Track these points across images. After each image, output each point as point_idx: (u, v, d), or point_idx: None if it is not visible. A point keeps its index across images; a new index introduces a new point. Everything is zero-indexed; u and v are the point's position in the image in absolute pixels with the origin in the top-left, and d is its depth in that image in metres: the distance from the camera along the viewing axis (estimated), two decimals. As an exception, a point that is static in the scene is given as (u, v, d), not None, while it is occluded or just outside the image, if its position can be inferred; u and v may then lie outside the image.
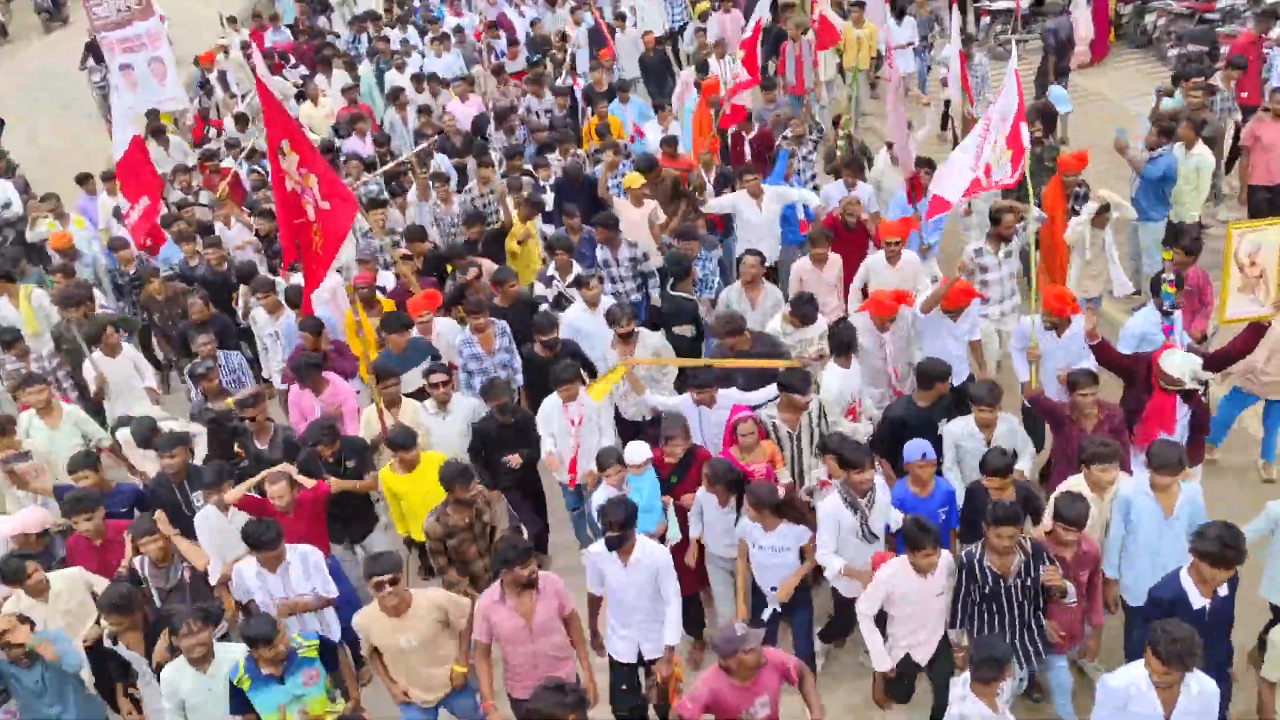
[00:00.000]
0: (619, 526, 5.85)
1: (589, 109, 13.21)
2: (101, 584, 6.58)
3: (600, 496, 6.70)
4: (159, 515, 6.65)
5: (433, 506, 6.80)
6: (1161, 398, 6.63)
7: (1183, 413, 6.65)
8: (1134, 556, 6.00)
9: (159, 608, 6.41)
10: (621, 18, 16.48)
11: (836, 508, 6.26)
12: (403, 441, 6.99)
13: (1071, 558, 5.80)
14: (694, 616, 7.01)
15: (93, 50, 17.28)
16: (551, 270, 9.24)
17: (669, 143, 11.11)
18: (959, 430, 6.87)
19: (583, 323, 8.49)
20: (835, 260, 8.84)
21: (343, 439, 7.40)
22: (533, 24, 17.63)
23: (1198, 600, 5.26)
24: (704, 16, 15.96)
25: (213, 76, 17.01)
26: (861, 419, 7.41)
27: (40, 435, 7.99)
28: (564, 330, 8.35)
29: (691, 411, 7.26)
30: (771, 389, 7.28)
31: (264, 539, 6.15)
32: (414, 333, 8.40)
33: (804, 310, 8.06)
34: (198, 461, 7.57)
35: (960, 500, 6.55)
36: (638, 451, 6.64)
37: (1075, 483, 6.15)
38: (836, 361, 7.49)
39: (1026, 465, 6.81)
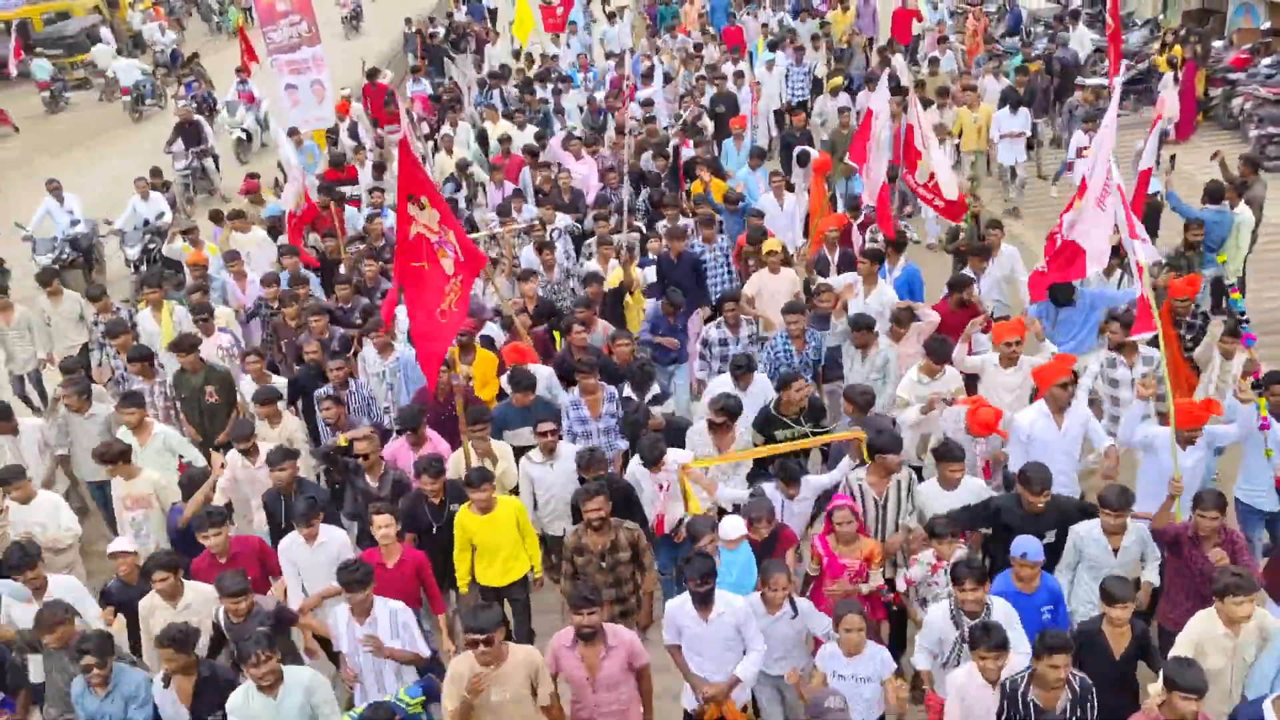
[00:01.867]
0: (701, 582, 5.73)
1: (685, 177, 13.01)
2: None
3: None
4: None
5: (508, 553, 6.85)
6: None
7: None
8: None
9: (217, 665, 6.18)
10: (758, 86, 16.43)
11: (942, 621, 5.83)
12: (474, 479, 6.77)
13: None
14: None
15: (181, 132, 17.59)
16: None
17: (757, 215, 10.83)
18: (1084, 532, 6.35)
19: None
20: (913, 333, 8.50)
21: (448, 483, 7.25)
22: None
23: None
24: (835, 92, 15.96)
25: (343, 126, 17.16)
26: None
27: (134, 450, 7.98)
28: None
29: (774, 502, 6.90)
30: (844, 467, 7.01)
31: (353, 579, 5.97)
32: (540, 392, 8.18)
33: (940, 350, 7.80)
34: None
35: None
36: (733, 526, 6.41)
37: (1198, 623, 5.57)
38: (940, 475, 6.83)
39: (1155, 576, 6.37)
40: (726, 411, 7.40)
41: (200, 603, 6.49)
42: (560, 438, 7.66)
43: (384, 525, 6.54)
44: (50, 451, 8.56)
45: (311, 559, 6.84)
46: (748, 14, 23.05)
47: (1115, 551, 6.25)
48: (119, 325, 9.66)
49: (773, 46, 18.68)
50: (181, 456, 8.08)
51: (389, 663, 6.15)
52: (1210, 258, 9.97)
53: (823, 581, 6.35)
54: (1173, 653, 5.29)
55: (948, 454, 6.72)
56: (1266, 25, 17.97)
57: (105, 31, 28.93)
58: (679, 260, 10.05)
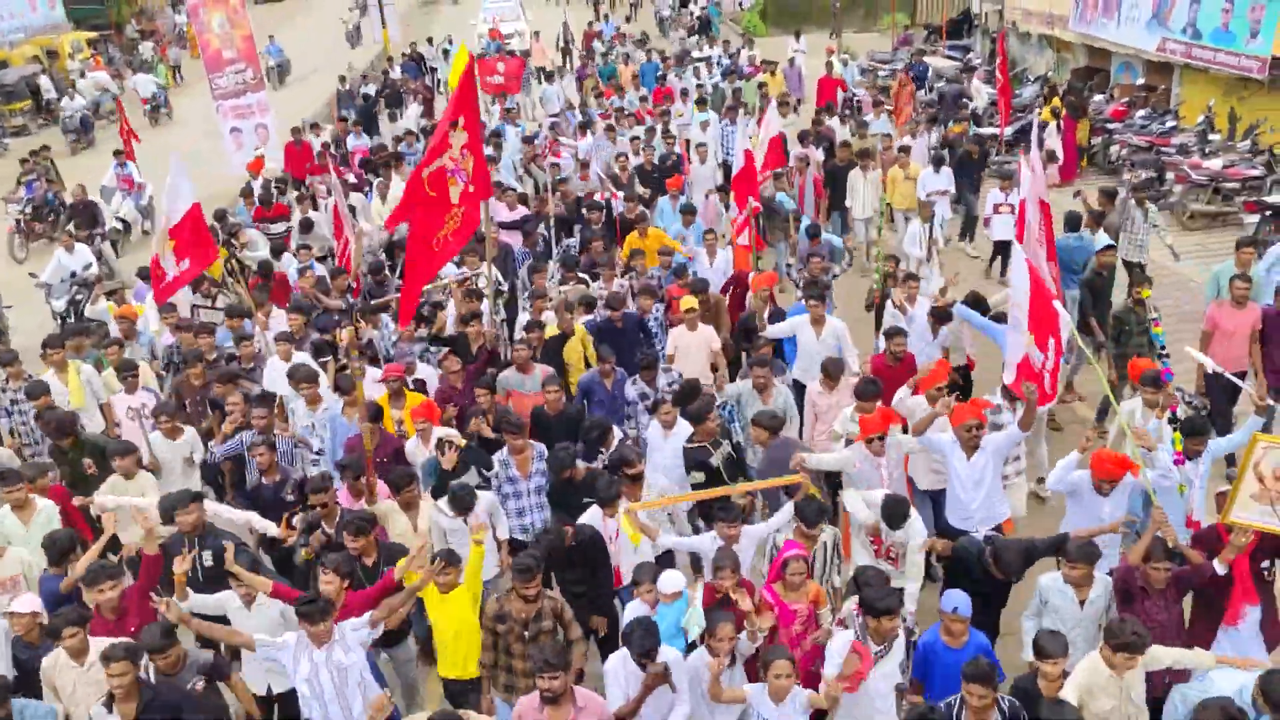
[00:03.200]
0: (643, 655, 5.64)
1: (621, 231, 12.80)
2: None
3: (631, 613, 6.33)
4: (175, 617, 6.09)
5: (465, 639, 6.42)
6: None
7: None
8: None
9: (161, 685, 5.88)
10: (701, 147, 16.18)
11: (846, 647, 5.80)
12: (445, 559, 6.38)
13: None
14: None
15: (75, 214, 16.27)
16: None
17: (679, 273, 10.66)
18: (1048, 583, 6.30)
19: (660, 441, 8.05)
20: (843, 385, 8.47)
21: (380, 544, 6.92)
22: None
23: None
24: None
25: (256, 184, 16.28)
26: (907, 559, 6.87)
27: (14, 529, 7.43)
28: (650, 451, 8.03)
29: (711, 548, 6.73)
30: (786, 513, 6.94)
31: (314, 610, 5.73)
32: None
33: (867, 391, 7.76)
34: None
35: None
36: (670, 580, 6.24)
37: (1086, 667, 5.60)
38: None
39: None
40: (624, 462, 7.31)
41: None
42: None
43: (329, 583, 6.32)
44: None
45: (249, 622, 6.48)
46: (676, 76, 23.46)
47: (1081, 604, 6.16)
48: (40, 387, 9.10)
49: (701, 104, 18.87)
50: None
51: (349, 686, 5.90)
52: (1073, 278, 11.31)
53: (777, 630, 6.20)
54: (1061, 695, 5.39)
55: (892, 517, 6.73)
56: (1141, 81, 19.82)
57: (45, 80, 29.65)
58: (623, 324, 9.71)
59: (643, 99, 21.32)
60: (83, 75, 30.29)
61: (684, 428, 8.04)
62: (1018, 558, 6.39)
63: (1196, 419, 7.42)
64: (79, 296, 13.02)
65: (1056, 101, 18.23)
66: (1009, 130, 17.57)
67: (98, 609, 6.43)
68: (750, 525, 7.09)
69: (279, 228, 14.37)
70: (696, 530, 7.77)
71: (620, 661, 5.84)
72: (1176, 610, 6.21)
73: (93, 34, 35.13)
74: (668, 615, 6.26)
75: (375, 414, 8.19)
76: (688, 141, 16.89)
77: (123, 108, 18.56)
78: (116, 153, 17.95)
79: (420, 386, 9.16)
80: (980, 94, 20.82)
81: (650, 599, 6.31)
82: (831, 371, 8.49)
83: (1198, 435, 7.22)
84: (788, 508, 6.97)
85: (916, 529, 6.89)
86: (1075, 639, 6.08)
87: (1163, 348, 8.50)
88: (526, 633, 6.22)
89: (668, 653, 5.81)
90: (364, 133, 20.66)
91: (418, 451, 8.16)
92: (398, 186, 15.14)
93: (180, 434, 8.51)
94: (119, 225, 17.57)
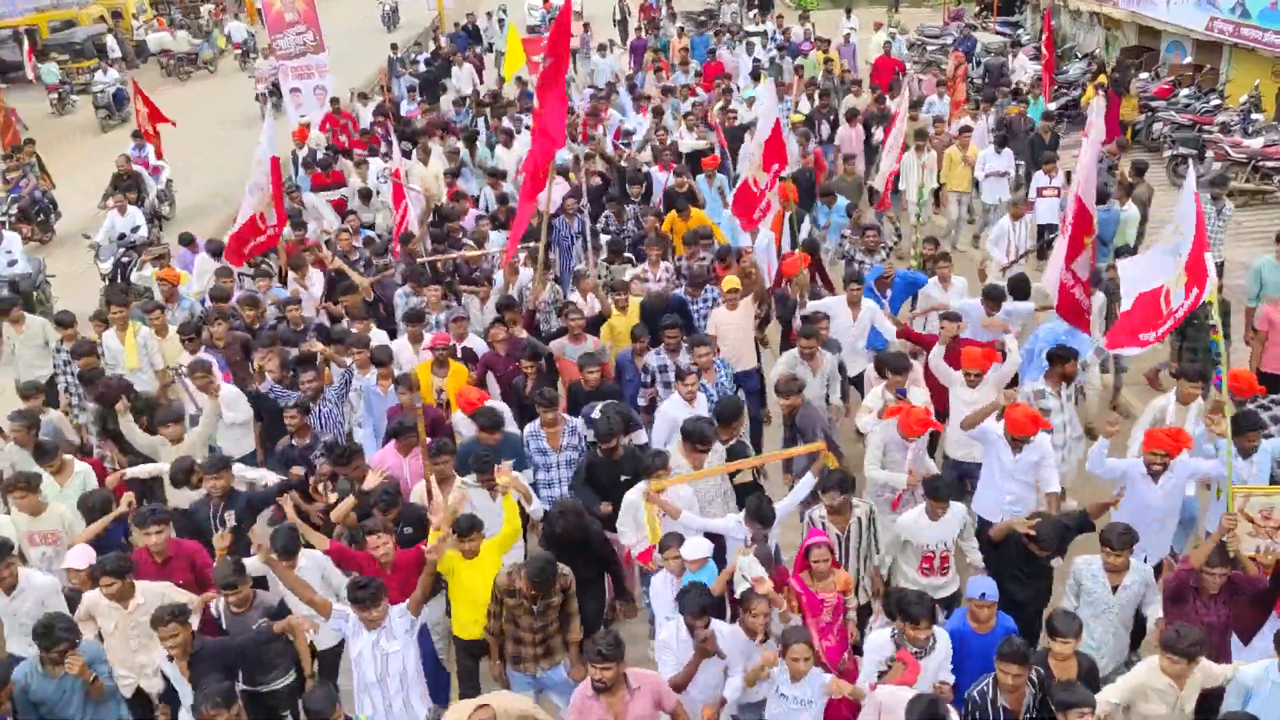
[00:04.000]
0: (701, 616, 5.65)
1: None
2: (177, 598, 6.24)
3: (659, 582, 6.35)
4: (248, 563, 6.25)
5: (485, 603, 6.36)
6: None
7: None
8: None
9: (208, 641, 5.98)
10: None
11: (884, 645, 5.74)
12: (462, 527, 6.37)
13: None
14: None
15: (117, 185, 15.58)
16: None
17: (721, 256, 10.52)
18: (1083, 566, 6.21)
19: (680, 414, 7.88)
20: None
21: (403, 506, 6.95)
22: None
23: None
24: (795, 128, 15.01)
25: (300, 153, 16.37)
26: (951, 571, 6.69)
27: (51, 490, 7.55)
28: (662, 422, 7.96)
29: (742, 533, 6.63)
30: (806, 485, 6.85)
31: (365, 595, 5.73)
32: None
33: (896, 364, 7.94)
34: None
35: None
36: (695, 547, 6.23)
37: (1143, 670, 5.50)
38: (929, 507, 6.66)
39: (1160, 612, 6.11)
40: (699, 437, 7.15)
41: (151, 599, 6.22)
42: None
43: (380, 545, 6.40)
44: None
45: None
46: (726, 48, 23.05)
47: (1114, 590, 6.07)
48: (84, 345, 9.29)
49: (756, 78, 18.66)
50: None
51: (401, 679, 5.93)
52: (1104, 250, 11.58)
53: (805, 619, 6.12)
54: (1114, 692, 5.43)
55: (935, 491, 6.57)
56: (1188, 60, 19.87)
57: (111, 39, 30.55)
58: (665, 303, 9.56)
59: (697, 74, 20.86)
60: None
61: (703, 404, 8.01)
62: (1053, 533, 6.31)
63: (1249, 413, 7.11)
64: (125, 259, 13.15)
65: (1102, 78, 18.28)
66: (1052, 105, 17.76)
67: (146, 551, 6.57)
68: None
69: (334, 194, 14.50)
70: None
71: (673, 631, 5.82)
72: (1225, 612, 6.06)
73: None
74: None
75: (410, 386, 8.07)
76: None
77: (140, 89, 17.67)
78: (135, 134, 17.38)
79: (469, 356, 9.14)
80: (1026, 69, 20.87)
81: (676, 566, 6.26)
82: (895, 366, 8.18)
83: (1250, 430, 6.93)
84: (807, 479, 6.87)
85: (958, 521, 6.71)
86: (1099, 625, 6.07)
87: (1218, 355, 8.02)
88: (535, 607, 6.17)
89: (719, 626, 5.80)
90: (425, 100, 20.72)
91: (466, 426, 8.07)
92: (437, 154, 15.17)
93: (217, 391, 8.52)
94: (26, 260, 14.58)
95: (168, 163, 17.60)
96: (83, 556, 6.56)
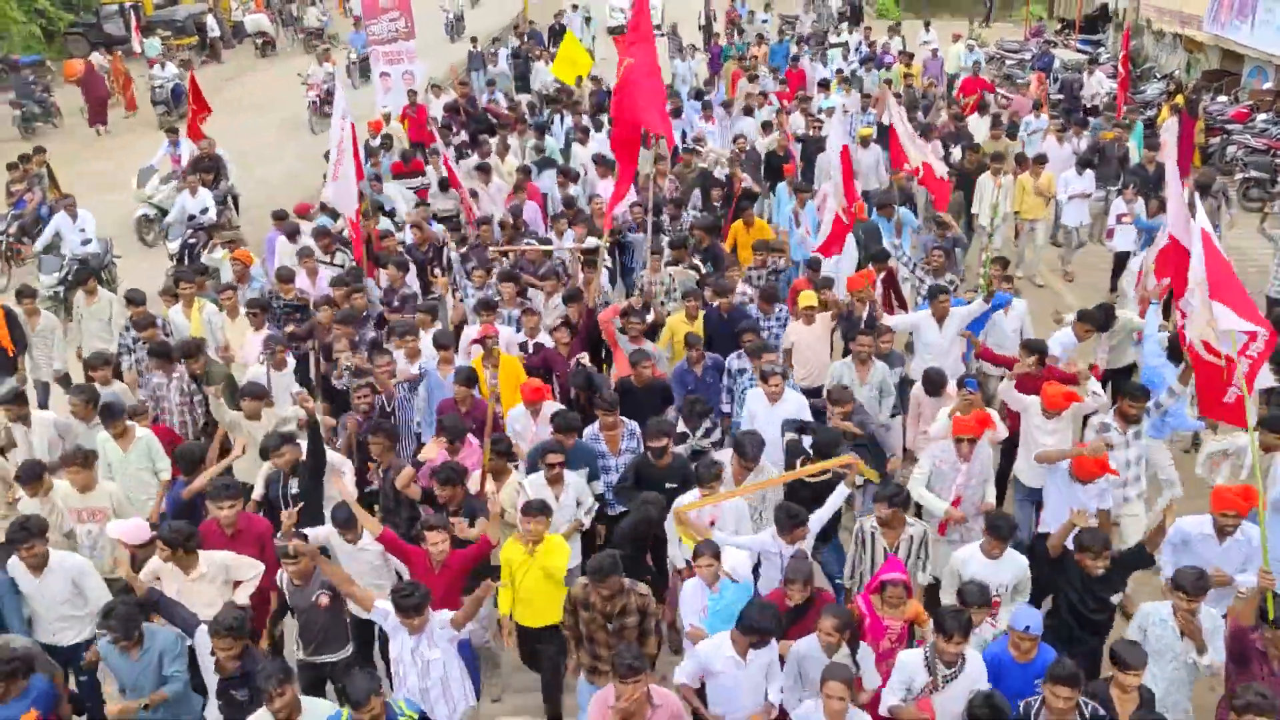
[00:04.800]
0: (760, 632, 5.48)
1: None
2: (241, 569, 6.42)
3: (690, 589, 6.17)
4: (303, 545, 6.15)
5: (544, 597, 6.30)
6: None
7: None
8: None
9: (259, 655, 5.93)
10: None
11: (915, 664, 5.58)
12: (534, 508, 6.32)
13: None
14: None
15: (197, 168, 15.00)
16: (682, 426, 8.04)
17: (813, 265, 10.39)
18: (1150, 611, 5.93)
19: (760, 410, 7.89)
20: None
21: (465, 501, 6.84)
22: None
23: None
24: (865, 143, 14.94)
25: (374, 142, 15.99)
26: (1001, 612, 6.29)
27: (114, 455, 7.67)
28: (745, 418, 7.93)
29: (772, 546, 6.49)
30: (840, 495, 6.69)
31: (409, 603, 5.60)
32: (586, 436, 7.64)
33: (936, 380, 8.04)
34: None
35: None
36: (736, 561, 6.11)
37: None
38: (985, 546, 6.38)
39: (1217, 661, 5.84)
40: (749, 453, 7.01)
41: (215, 569, 6.36)
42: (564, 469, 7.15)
43: (438, 541, 6.22)
44: (64, 445, 8.08)
45: (357, 555, 6.57)
46: (808, 58, 22.79)
47: (1181, 635, 5.77)
48: (146, 319, 9.34)
49: (824, 86, 18.64)
50: (158, 470, 7.78)
51: (442, 684, 5.87)
52: None
53: (863, 636, 5.92)
54: None
55: (996, 528, 6.33)
56: (1269, 85, 19.78)
57: (211, 19, 31.41)
58: (730, 316, 9.34)
59: (782, 83, 20.51)
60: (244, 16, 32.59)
61: (790, 401, 7.91)
62: (1100, 542, 6.10)
63: None
64: (192, 240, 13.16)
65: (1179, 99, 18.22)
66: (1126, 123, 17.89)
67: (216, 523, 6.61)
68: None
69: (415, 182, 14.60)
70: None
71: (716, 647, 5.67)
72: None
73: None
74: (731, 596, 6.06)
75: (469, 379, 8.03)
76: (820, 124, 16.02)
77: (196, 82, 16.29)
78: (170, 130, 16.18)
79: (539, 350, 9.08)
80: (1102, 86, 20.66)
81: (709, 574, 6.06)
82: (936, 382, 8.11)
83: None
84: (840, 490, 6.68)
85: (1016, 571, 6.44)
86: (1161, 670, 5.78)
87: None
88: (610, 625, 5.98)
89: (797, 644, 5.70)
90: (521, 88, 20.95)
91: (521, 424, 7.93)
92: (515, 149, 15.24)
93: (285, 365, 8.79)
94: (148, 212, 15.40)
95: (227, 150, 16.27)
96: (134, 532, 6.62)
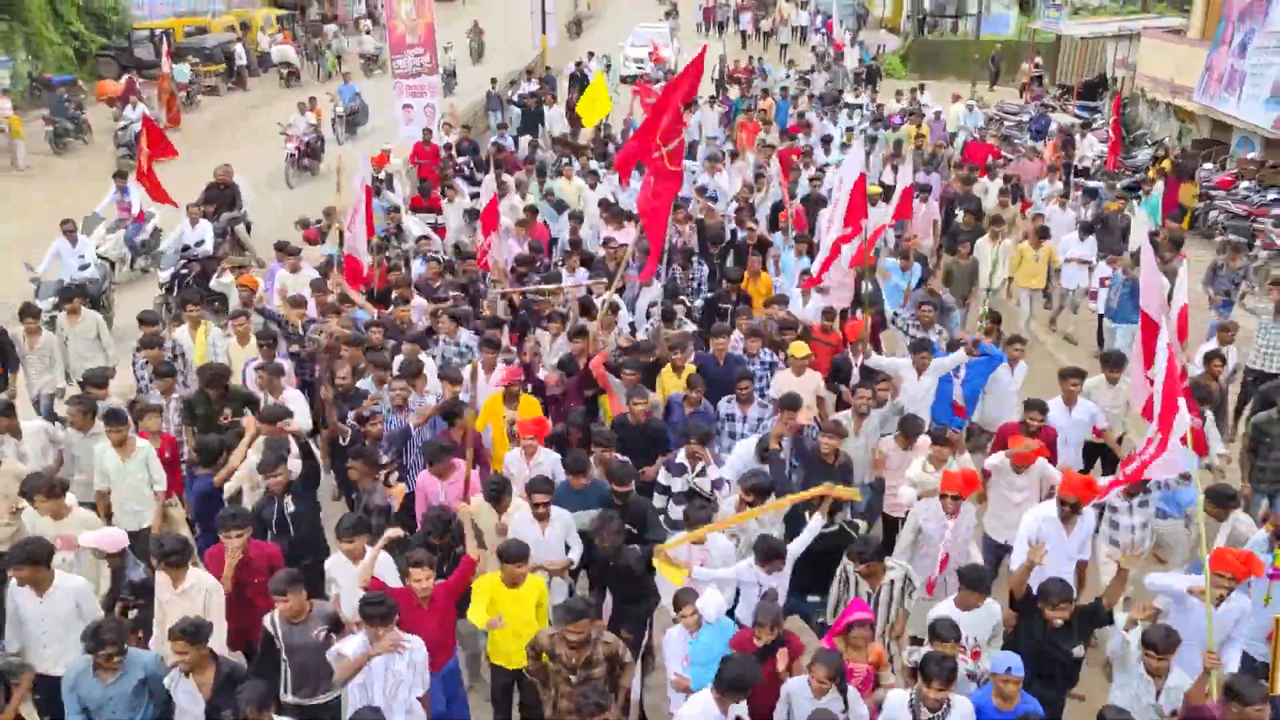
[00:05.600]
0: (738, 689, 5.43)
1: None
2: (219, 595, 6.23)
3: (674, 635, 6.13)
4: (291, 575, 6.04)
5: (526, 634, 6.14)
6: None
7: None
8: None
9: (236, 665, 5.88)
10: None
11: (900, 707, 5.55)
12: (511, 552, 6.24)
13: None
14: None
15: (212, 194, 15.35)
16: (681, 458, 7.78)
17: (828, 315, 10.39)
18: (1134, 640, 5.92)
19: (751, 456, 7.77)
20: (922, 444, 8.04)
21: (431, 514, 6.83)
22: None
23: None
24: (873, 201, 13.97)
25: (379, 174, 15.70)
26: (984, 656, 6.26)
27: (112, 464, 7.73)
28: (736, 459, 7.92)
29: (749, 576, 6.48)
30: (814, 527, 6.78)
31: (376, 612, 5.57)
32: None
33: (912, 428, 8.01)
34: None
35: None
36: (709, 602, 6.05)
37: None
38: (960, 599, 6.36)
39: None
40: (758, 490, 7.00)
41: (199, 590, 6.21)
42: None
43: (422, 579, 6.06)
44: (55, 450, 8.28)
45: (354, 581, 6.33)
46: (816, 115, 22.88)
47: (1158, 694, 5.76)
48: (154, 339, 9.45)
49: (825, 142, 18.78)
50: (154, 485, 7.86)
51: (397, 699, 5.79)
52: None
53: None
54: None
55: (973, 581, 6.32)
56: (1253, 155, 20.65)
57: (239, 48, 31.78)
58: (725, 363, 9.35)
59: (791, 139, 20.52)
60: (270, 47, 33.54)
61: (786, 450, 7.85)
62: (1061, 591, 6.08)
63: None
64: (184, 270, 13.00)
65: (1166, 163, 18.92)
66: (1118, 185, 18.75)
67: (223, 548, 6.53)
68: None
69: (431, 219, 14.87)
70: None
71: (700, 708, 5.52)
72: None
73: (282, 11, 37.28)
74: (708, 640, 6.04)
75: (449, 413, 8.15)
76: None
77: (151, 123, 15.46)
78: (118, 175, 15.05)
79: (539, 389, 9.11)
80: (1092, 148, 21.30)
81: (691, 622, 6.03)
82: (910, 430, 8.11)
83: None
84: (815, 521, 6.72)
85: (990, 621, 6.44)
86: None
87: None
88: (574, 676, 5.87)
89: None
90: (525, 130, 21.25)
91: (516, 466, 7.87)
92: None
93: (280, 392, 8.81)
94: (95, 266, 13.08)
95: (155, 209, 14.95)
96: (109, 540, 6.66)
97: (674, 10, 45.13)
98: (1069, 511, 6.97)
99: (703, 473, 7.76)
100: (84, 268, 12.59)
